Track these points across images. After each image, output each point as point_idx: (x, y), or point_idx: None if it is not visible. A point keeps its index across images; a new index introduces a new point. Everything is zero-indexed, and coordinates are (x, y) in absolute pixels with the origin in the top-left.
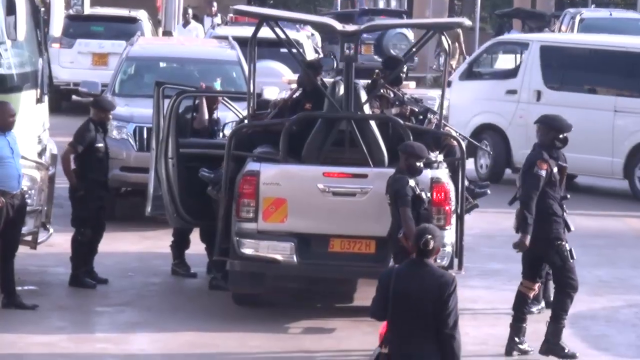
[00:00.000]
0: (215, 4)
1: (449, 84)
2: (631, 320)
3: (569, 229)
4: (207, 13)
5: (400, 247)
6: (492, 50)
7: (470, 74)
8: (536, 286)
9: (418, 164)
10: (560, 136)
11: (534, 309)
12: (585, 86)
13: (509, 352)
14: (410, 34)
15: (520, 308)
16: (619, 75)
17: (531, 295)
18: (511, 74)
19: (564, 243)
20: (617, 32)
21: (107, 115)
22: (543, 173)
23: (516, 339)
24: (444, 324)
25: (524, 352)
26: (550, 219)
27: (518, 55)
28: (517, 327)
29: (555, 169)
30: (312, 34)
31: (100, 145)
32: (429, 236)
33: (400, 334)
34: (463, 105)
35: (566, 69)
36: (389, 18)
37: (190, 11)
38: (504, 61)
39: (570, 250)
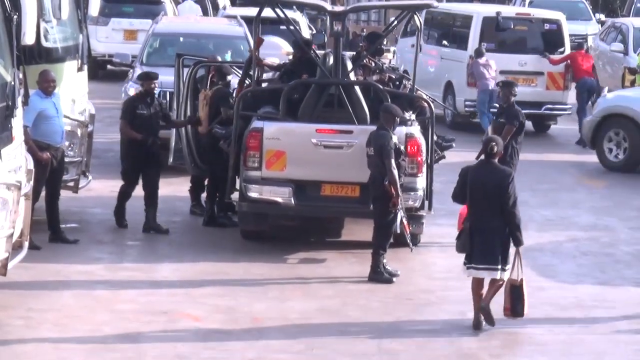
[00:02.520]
0: None
1: (396, 40)
2: (572, 253)
3: None
4: None
5: (381, 192)
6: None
7: (405, 33)
8: None
9: (394, 119)
10: None
11: None
12: (434, 40)
13: None
14: None
15: None
16: (445, 32)
17: None
18: (414, 32)
19: None
20: (561, 12)
21: (153, 83)
22: None
23: None
24: (506, 204)
25: None
26: None
27: None
28: None
29: None
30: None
31: (143, 112)
32: (494, 143)
33: (476, 213)
34: (399, 54)
35: (430, 28)
36: None
37: None
38: None
39: None
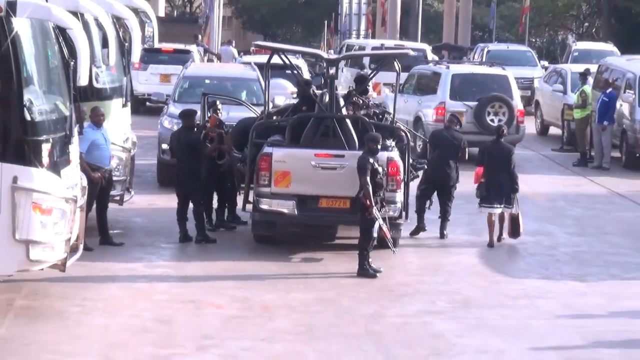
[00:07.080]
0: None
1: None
2: (521, 253)
3: None
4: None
5: (362, 204)
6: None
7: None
8: None
9: (376, 146)
10: None
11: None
12: (349, 64)
13: None
14: None
15: None
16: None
17: None
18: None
19: None
20: (513, 60)
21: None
22: None
23: None
24: (509, 167)
25: None
26: None
27: None
28: None
29: None
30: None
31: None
32: (503, 128)
33: (490, 172)
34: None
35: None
36: None
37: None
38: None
39: None
